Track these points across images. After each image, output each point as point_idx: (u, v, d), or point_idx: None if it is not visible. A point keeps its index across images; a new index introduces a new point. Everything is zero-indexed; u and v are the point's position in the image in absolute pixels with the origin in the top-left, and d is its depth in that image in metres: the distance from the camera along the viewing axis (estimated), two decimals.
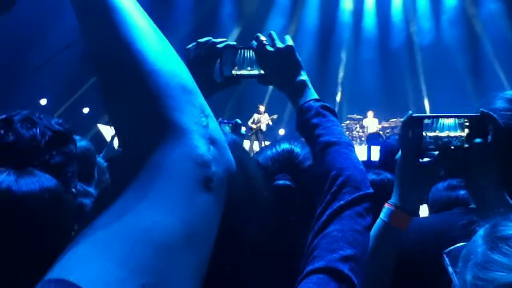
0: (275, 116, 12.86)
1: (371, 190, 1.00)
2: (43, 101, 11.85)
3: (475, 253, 0.72)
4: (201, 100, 0.54)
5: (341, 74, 15.90)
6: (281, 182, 1.08)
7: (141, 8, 0.56)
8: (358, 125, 13.15)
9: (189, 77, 0.54)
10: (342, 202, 0.95)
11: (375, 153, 5.60)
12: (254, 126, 12.65)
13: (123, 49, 0.51)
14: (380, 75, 15.39)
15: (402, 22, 15.90)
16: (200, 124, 0.51)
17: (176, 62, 0.55)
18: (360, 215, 0.95)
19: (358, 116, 13.25)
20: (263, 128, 12.76)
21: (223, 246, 0.60)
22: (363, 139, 12.28)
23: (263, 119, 12.85)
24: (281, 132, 13.53)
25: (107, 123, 12.55)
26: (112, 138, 3.71)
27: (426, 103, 14.91)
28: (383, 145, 2.93)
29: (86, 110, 12.43)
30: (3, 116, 1.25)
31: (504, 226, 0.72)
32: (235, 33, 14.86)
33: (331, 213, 0.94)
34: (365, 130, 12.68)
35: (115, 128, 0.54)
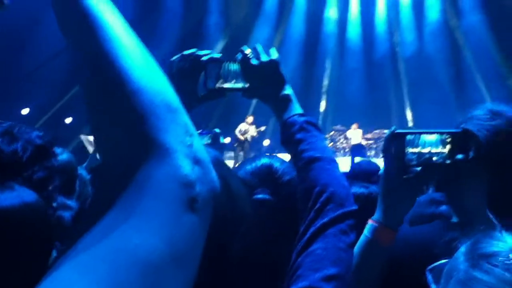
0: (262, 128, 12.75)
1: (355, 207, 1.00)
2: (25, 111, 11.69)
3: (457, 270, 0.72)
4: (185, 118, 0.53)
5: (325, 84, 16.04)
6: (260, 196, 1.08)
7: (125, 23, 0.55)
8: (342, 137, 13.21)
9: (173, 95, 0.54)
10: (325, 220, 0.95)
11: None
12: (241, 137, 12.57)
13: (108, 66, 0.51)
14: (364, 86, 15.55)
15: (385, 33, 16.14)
16: (184, 144, 0.50)
17: (161, 80, 0.54)
18: (343, 233, 0.94)
19: (342, 128, 13.32)
20: (249, 139, 12.63)
21: (208, 263, 0.60)
22: (346, 150, 12.34)
23: (250, 131, 12.73)
24: (266, 143, 13.51)
25: (90, 133, 12.43)
26: (95, 149, 3.67)
27: (409, 114, 15.09)
28: (354, 166, 2.97)
29: (68, 120, 12.31)
30: None
31: (485, 243, 0.73)
32: (221, 42, 14.90)
33: (315, 231, 0.94)
34: (349, 142, 12.74)
35: (97, 144, 0.53)
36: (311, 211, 0.97)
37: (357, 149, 7.96)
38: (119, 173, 0.48)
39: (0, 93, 10.58)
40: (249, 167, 1.15)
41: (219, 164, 0.75)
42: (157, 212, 0.45)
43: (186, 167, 0.49)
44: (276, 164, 1.14)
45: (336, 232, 0.93)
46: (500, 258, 0.68)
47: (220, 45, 14.65)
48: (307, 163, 1.05)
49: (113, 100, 0.51)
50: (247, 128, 12.73)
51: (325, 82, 16.07)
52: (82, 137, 11.70)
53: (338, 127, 13.39)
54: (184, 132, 0.51)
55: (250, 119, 12.83)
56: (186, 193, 0.48)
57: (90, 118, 0.53)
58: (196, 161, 0.50)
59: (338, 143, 13.10)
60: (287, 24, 16.31)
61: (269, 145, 13.28)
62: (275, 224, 1.07)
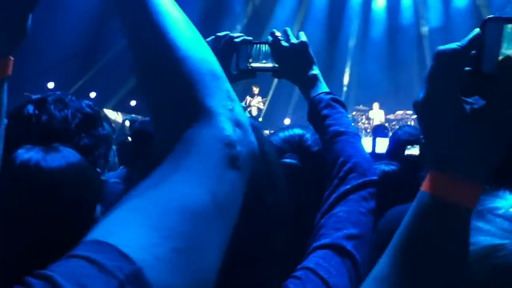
0: (266, 99, 12.15)
1: (375, 177, 1.09)
2: (51, 85, 11.89)
3: None
4: (227, 85, 0.59)
5: (348, 61, 15.82)
6: (288, 160, 1.16)
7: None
8: (364, 117, 13.06)
9: (217, 64, 0.60)
10: (348, 186, 1.04)
11: (380, 146, 5.65)
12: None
13: (158, 37, 0.56)
14: (388, 65, 15.29)
15: (411, 8, 15.78)
16: (227, 108, 0.56)
17: (206, 49, 0.60)
18: (364, 199, 1.03)
19: (364, 108, 13.18)
20: (254, 112, 11.80)
21: (245, 215, 0.69)
22: (368, 130, 12.20)
23: (254, 103, 11.99)
24: (287, 121, 13.48)
25: (113, 109, 12.63)
26: (123, 123, 3.80)
27: None
28: (393, 137, 3.00)
29: (93, 94, 12.49)
30: (38, 96, 1.34)
31: (489, 200, 0.76)
32: (243, 19, 14.79)
33: (338, 196, 1.03)
34: (371, 122, 12.59)
35: (148, 108, 0.60)
36: (335, 179, 1.07)
37: (379, 130, 7.91)
38: (169, 134, 0.54)
39: (27, 68, 10.79)
40: (282, 134, 1.24)
41: (253, 129, 0.83)
42: (202, 167, 0.51)
43: (228, 129, 0.55)
44: (308, 135, 1.22)
45: (357, 198, 1.03)
46: (501, 211, 0.70)
47: (242, 22, 14.55)
48: (332, 136, 1.14)
49: (164, 67, 0.57)
50: (251, 100, 11.97)
51: (348, 59, 15.86)
52: (106, 111, 11.78)
53: (360, 107, 13.24)
54: (227, 97, 0.57)
55: (255, 90, 11.95)
56: (228, 152, 0.54)
57: (141, 85, 0.59)
58: (237, 124, 0.56)
59: (360, 123, 12.97)
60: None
61: (290, 124, 13.26)
62: (299, 189, 1.15)
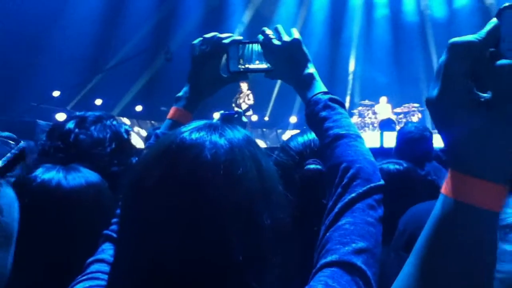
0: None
1: (382, 182, 0.99)
2: (56, 93, 11.90)
3: None
4: None
5: (352, 59, 15.71)
6: (312, 166, 1.21)
7: None
8: (370, 111, 12.93)
9: None
10: (353, 195, 0.95)
11: (388, 140, 5.55)
12: (238, 109, 11.07)
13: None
14: (392, 58, 15.17)
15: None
16: None
17: None
18: (371, 207, 0.94)
19: (370, 102, 13.04)
20: (243, 108, 11.34)
21: (243, 231, 0.69)
22: (375, 125, 12.09)
23: (243, 99, 11.58)
24: (293, 120, 13.39)
25: (119, 115, 12.60)
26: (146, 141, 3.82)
27: None
28: (400, 132, 2.90)
29: (99, 101, 12.49)
30: (81, 114, 1.32)
31: (507, 214, 0.69)
32: (246, 17, 14.73)
33: (342, 206, 0.94)
34: (378, 116, 12.43)
35: None
36: (339, 187, 0.97)
37: (386, 124, 7.83)
38: None
39: (31, 77, 10.80)
40: (301, 139, 1.30)
41: (249, 143, 0.78)
42: None
43: None
44: None
45: (364, 207, 0.93)
46: None
47: (243, 24, 14.48)
48: (332, 140, 1.05)
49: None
50: (240, 100, 11.61)
51: (352, 58, 15.75)
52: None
53: (366, 101, 13.12)
54: None
55: (244, 86, 11.47)
56: None
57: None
58: None
59: (366, 118, 12.86)
60: None
61: (296, 122, 13.15)
62: (325, 192, 1.10)
